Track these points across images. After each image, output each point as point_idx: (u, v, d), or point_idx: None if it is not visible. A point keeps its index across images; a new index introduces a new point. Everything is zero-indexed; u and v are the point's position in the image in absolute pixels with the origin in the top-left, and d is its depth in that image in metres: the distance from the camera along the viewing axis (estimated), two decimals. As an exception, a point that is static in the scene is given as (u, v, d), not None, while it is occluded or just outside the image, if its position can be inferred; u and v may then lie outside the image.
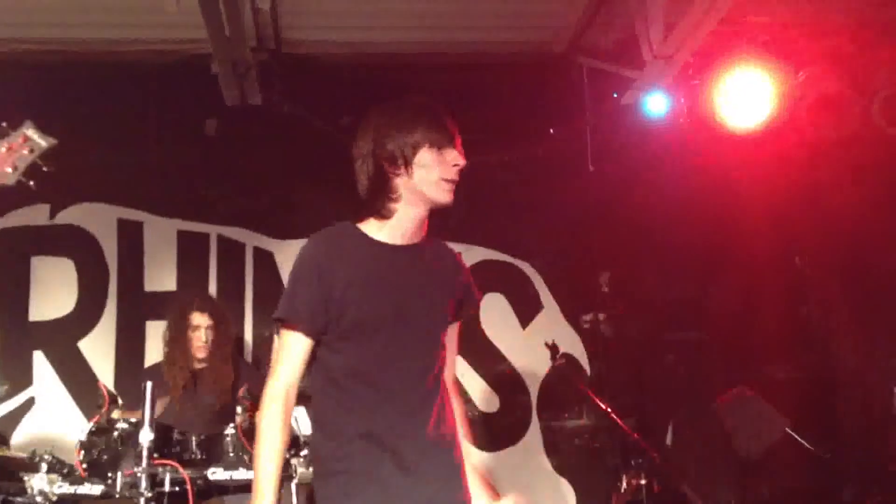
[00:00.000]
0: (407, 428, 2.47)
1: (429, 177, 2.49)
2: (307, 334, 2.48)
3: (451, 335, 2.71)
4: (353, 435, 2.45)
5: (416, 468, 2.45)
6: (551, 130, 6.05)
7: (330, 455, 2.47)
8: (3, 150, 2.71)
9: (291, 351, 2.49)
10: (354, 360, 2.48)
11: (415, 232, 2.58)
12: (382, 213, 2.53)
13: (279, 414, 2.44)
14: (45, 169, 2.84)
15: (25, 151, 2.76)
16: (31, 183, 2.87)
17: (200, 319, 4.91)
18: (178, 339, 4.92)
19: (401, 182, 2.51)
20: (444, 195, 2.51)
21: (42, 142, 2.81)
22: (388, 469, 2.43)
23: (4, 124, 2.76)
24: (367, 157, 2.53)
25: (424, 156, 2.49)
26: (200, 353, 4.88)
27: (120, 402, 3.76)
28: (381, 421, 2.45)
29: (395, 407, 2.47)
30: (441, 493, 2.49)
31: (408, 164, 2.49)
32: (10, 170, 2.73)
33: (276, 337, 2.64)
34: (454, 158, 2.51)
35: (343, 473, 2.44)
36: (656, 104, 5.72)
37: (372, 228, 2.56)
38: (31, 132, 2.80)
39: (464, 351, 5.75)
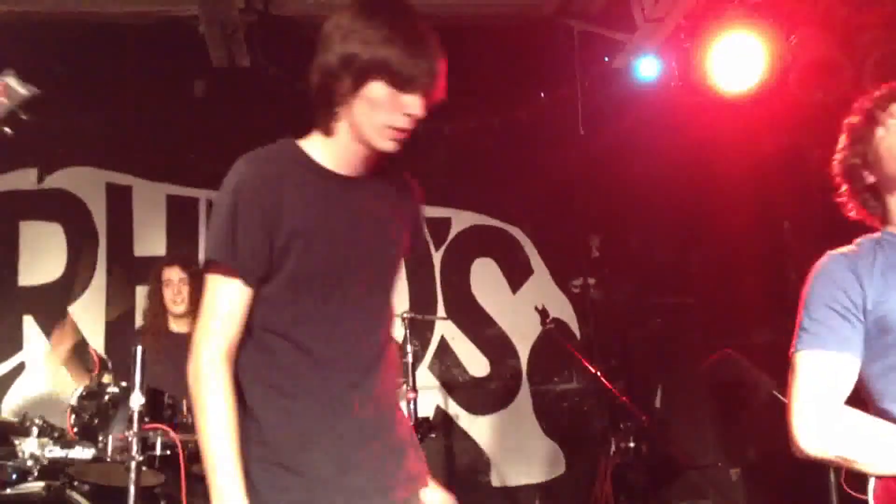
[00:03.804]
0: (345, 401, 2.06)
1: (371, 117, 1.99)
2: (247, 283, 2.02)
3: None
4: (278, 412, 2.03)
5: (352, 451, 2.05)
6: (541, 94, 6.03)
7: (251, 435, 2.02)
8: None
9: (228, 301, 2.02)
10: (285, 315, 2.04)
11: (362, 164, 2.11)
12: (324, 128, 2.07)
13: (226, 379, 1.99)
14: (23, 117, 2.69)
15: (3, 99, 2.63)
16: (8, 130, 2.73)
17: (171, 273, 4.78)
18: (151, 304, 4.86)
19: (342, 103, 2.02)
20: (384, 143, 2.03)
21: (22, 90, 2.67)
22: (319, 456, 2.02)
23: None
24: (322, 52, 2.02)
25: (377, 89, 1.96)
26: (177, 308, 4.73)
27: (110, 366, 3.76)
28: (314, 393, 2.04)
29: (331, 375, 2.05)
30: (381, 477, 2.09)
31: (353, 88, 1.97)
32: None
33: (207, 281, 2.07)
34: (411, 107, 1.98)
35: (264, 461, 2.02)
36: (647, 68, 5.69)
37: (315, 146, 2.10)
38: (12, 80, 2.67)
39: (454, 315, 5.85)
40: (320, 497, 2.01)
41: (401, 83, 1.96)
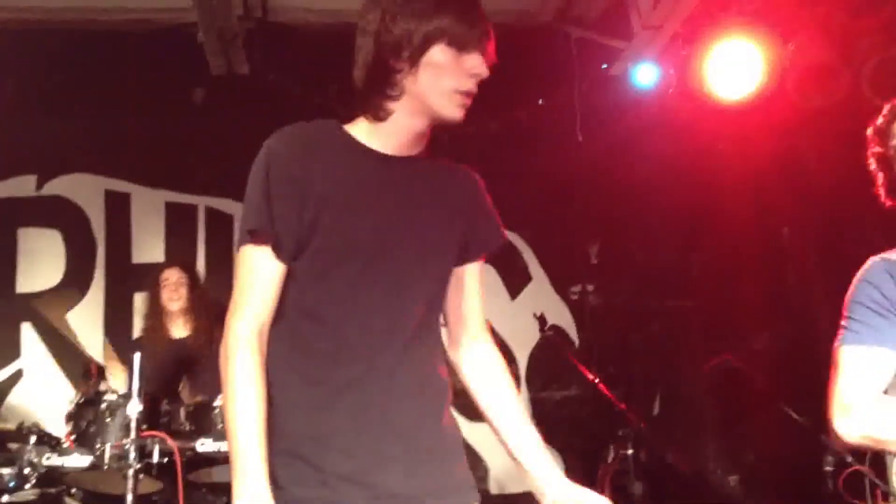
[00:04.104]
0: (372, 392, 1.91)
1: (438, 83, 1.93)
2: (280, 257, 1.92)
3: (471, 277, 2.19)
4: (299, 401, 1.90)
5: (378, 447, 1.90)
6: (540, 101, 6.03)
7: (272, 425, 1.86)
8: None
9: (263, 275, 1.92)
10: (310, 295, 1.94)
11: (412, 143, 2.03)
12: (376, 113, 1.98)
13: (256, 359, 1.87)
14: None
15: None
16: None
17: (169, 273, 4.86)
18: (149, 308, 4.89)
19: (403, 80, 1.95)
20: (453, 110, 1.96)
21: None
22: (338, 451, 1.88)
23: None
24: (368, 37, 1.96)
25: (438, 54, 1.93)
26: (173, 305, 4.78)
27: (107, 374, 3.76)
28: (336, 380, 1.90)
29: (358, 364, 1.91)
30: (413, 480, 1.93)
31: (415, 59, 1.92)
32: None
33: (237, 257, 1.96)
34: (475, 66, 1.95)
35: (283, 454, 1.86)
36: (645, 74, 5.70)
37: (360, 131, 2.02)
38: None
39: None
40: (334, 493, 1.86)
41: (462, 44, 1.93)
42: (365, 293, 1.93)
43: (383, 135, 2.00)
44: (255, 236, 1.92)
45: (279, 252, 1.91)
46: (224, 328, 1.90)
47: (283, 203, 1.90)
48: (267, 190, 1.91)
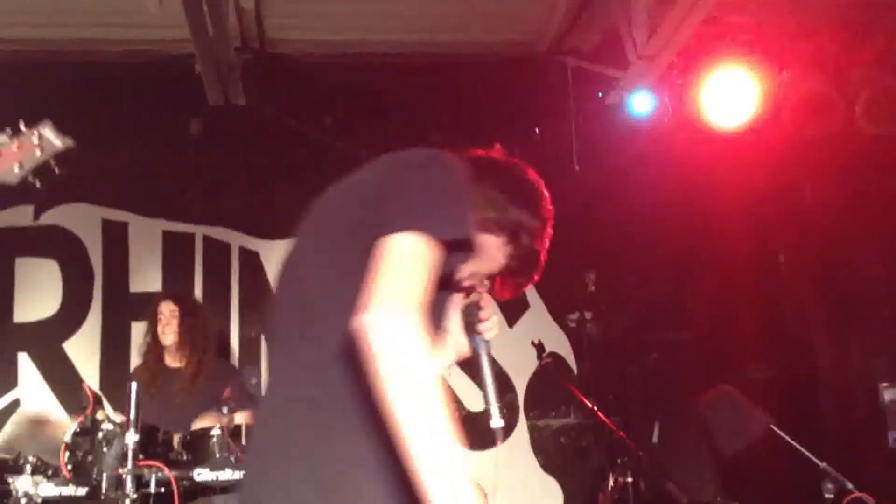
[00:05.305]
0: None
1: (471, 273, 2.00)
2: None
3: None
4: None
5: None
6: (536, 130, 6.07)
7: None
8: (14, 147, 2.57)
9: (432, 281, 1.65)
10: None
11: None
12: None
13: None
14: (56, 171, 2.70)
15: (37, 151, 2.63)
16: (38, 183, 2.71)
17: (165, 307, 4.90)
18: (146, 338, 4.92)
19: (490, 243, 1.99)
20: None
21: (57, 142, 2.69)
22: None
23: (21, 124, 2.63)
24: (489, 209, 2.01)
25: (478, 266, 2.01)
26: (166, 340, 4.83)
27: (105, 403, 3.75)
28: None
29: None
30: None
31: (461, 243, 1.80)
32: (16, 168, 2.59)
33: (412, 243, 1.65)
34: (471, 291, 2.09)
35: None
36: (641, 104, 5.73)
37: None
38: (48, 132, 2.68)
39: (450, 350, 5.83)
40: None
41: (498, 281, 2.11)
42: None
43: None
44: (451, 244, 1.71)
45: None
46: (382, 314, 1.56)
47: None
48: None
